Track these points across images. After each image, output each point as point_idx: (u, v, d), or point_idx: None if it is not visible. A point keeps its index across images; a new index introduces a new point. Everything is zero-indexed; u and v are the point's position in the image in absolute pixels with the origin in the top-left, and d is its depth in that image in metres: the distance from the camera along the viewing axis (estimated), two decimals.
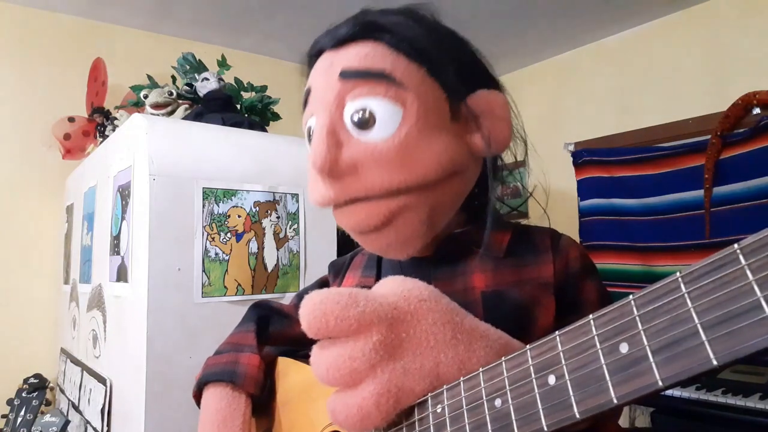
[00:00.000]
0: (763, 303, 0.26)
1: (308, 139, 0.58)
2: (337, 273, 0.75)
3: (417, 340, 0.44)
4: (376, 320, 0.44)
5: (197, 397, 0.70)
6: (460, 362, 0.44)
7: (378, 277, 0.65)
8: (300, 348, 0.75)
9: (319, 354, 0.46)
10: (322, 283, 0.78)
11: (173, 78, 1.67)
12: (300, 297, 0.79)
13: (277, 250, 1.28)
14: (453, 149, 0.53)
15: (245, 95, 1.60)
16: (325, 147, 0.51)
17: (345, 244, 1.37)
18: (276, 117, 1.66)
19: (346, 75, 0.52)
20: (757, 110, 1.82)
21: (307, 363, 0.66)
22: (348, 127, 0.52)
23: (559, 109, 2.62)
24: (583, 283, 0.58)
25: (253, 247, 1.23)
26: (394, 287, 0.47)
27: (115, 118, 1.75)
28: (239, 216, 1.22)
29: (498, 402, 0.38)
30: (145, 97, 1.50)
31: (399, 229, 0.54)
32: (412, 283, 0.47)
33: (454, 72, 0.54)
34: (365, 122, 0.51)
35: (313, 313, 0.44)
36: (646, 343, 0.30)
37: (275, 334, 0.75)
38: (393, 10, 0.57)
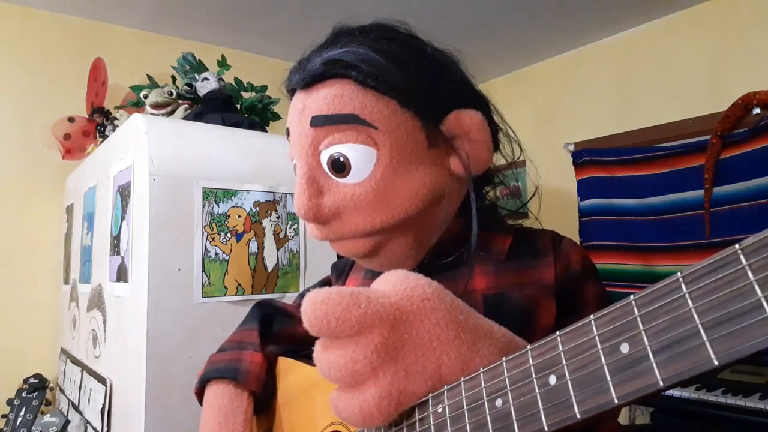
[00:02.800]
0: (764, 303, 0.26)
1: (295, 173, 0.59)
2: (339, 274, 0.75)
3: (420, 341, 0.44)
4: (378, 322, 0.43)
5: (199, 394, 0.70)
6: (463, 363, 0.43)
7: None
8: (303, 347, 0.75)
9: (321, 352, 0.46)
10: (325, 284, 0.78)
11: (173, 78, 1.67)
12: (303, 296, 0.79)
13: (277, 250, 1.28)
14: (432, 179, 0.53)
15: (245, 95, 1.60)
16: (306, 197, 0.53)
17: None
18: (276, 117, 1.66)
19: (317, 122, 0.53)
20: (757, 110, 1.83)
21: (309, 363, 0.67)
22: (327, 171, 0.54)
23: (559, 109, 2.62)
24: (583, 285, 0.58)
25: (253, 247, 1.23)
26: (396, 284, 0.46)
27: (115, 118, 1.75)
28: (239, 216, 1.22)
29: (499, 402, 0.38)
30: (145, 97, 1.49)
31: (387, 254, 0.56)
32: (415, 280, 0.46)
33: (426, 98, 0.53)
34: (341, 167, 0.52)
35: (314, 312, 0.44)
36: (647, 343, 0.30)
37: (278, 333, 0.75)
38: (364, 32, 0.56)
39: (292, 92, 0.59)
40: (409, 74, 0.53)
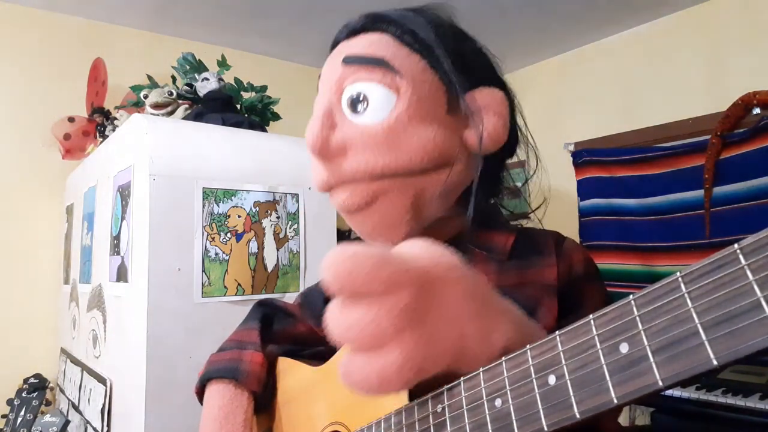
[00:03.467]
0: (763, 303, 0.26)
1: None
2: None
3: (445, 309, 0.42)
4: (407, 283, 0.41)
5: (200, 393, 0.70)
6: (484, 336, 0.43)
7: None
8: (303, 347, 0.75)
9: (339, 312, 0.42)
10: None
11: (173, 78, 1.67)
12: (304, 296, 0.79)
13: (277, 250, 1.28)
14: (442, 140, 0.54)
15: (245, 95, 1.60)
16: (319, 126, 0.54)
17: None
18: (276, 117, 1.66)
19: (349, 60, 0.55)
20: (757, 110, 1.83)
21: (309, 363, 0.67)
22: (344, 109, 0.55)
23: (559, 109, 2.62)
24: (586, 286, 0.58)
25: (253, 247, 1.23)
26: (423, 250, 0.44)
27: (115, 118, 1.75)
28: (239, 216, 1.22)
29: (498, 402, 0.38)
30: (145, 97, 1.50)
31: (382, 210, 0.55)
32: (440, 248, 0.44)
33: (456, 66, 0.55)
34: (359, 105, 0.54)
35: (342, 264, 0.39)
36: (646, 343, 0.30)
37: (279, 332, 0.75)
38: (409, 7, 0.60)
39: (333, 48, 0.62)
40: (446, 40, 0.56)
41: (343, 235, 1.41)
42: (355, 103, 0.54)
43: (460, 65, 0.56)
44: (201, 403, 0.70)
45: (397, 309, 0.40)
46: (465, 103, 0.56)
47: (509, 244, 0.59)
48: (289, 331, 0.76)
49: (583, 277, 0.58)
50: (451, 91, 0.55)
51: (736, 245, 0.27)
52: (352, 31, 0.58)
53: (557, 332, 0.36)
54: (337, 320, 0.42)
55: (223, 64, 1.63)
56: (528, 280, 0.57)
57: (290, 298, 1.26)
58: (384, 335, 0.40)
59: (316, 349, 0.72)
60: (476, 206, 0.60)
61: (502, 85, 0.61)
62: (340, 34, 0.60)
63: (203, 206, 1.17)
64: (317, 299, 0.74)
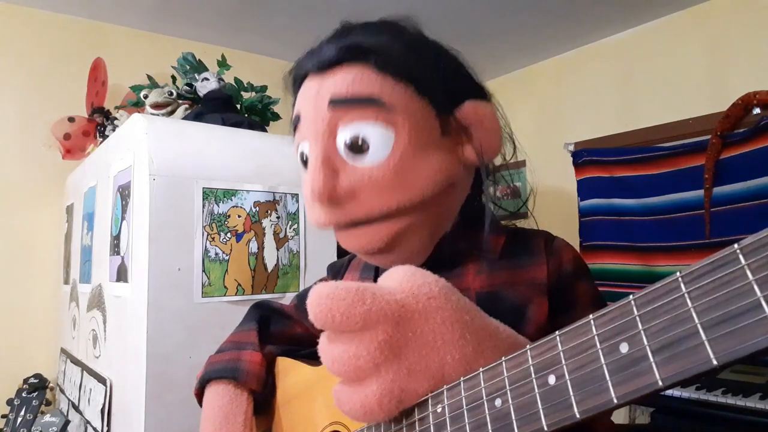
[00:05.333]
0: (763, 303, 0.26)
1: (302, 163, 0.60)
2: (335, 275, 0.75)
3: (424, 340, 0.44)
4: (382, 319, 0.43)
5: (199, 395, 0.70)
6: (467, 364, 0.43)
7: (376, 278, 0.65)
8: (301, 347, 0.75)
9: (326, 344, 0.46)
10: None
11: (173, 78, 1.67)
12: (300, 298, 0.79)
13: (277, 250, 1.28)
14: (446, 164, 0.54)
15: (245, 95, 1.60)
16: (322, 177, 0.52)
17: None
18: (276, 117, 1.66)
19: (336, 103, 0.53)
20: (757, 110, 1.82)
21: (308, 363, 0.67)
22: (342, 153, 0.53)
23: (559, 109, 2.62)
24: (576, 284, 0.58)
25: (253, 247, 1.23)
26: (403, 281, 0.46)
27: (115, 118, 1.75)
28: (239, 216, 1.22)
29: (498, 402, 0.38)
30: (145, 97, 1.50)
31: (403, 250, 0.56)
32: (422, 277, 0.46)
33: (441, 87, 0.55)
34: (359, 148, 0.52)
35: (318, 306, 0.44)
36: (646, 343, 0.30)
37: (276, 333, 0.76)
38: (375, 25, 0.57)
39: (301, 80, 0.59)
40: (426, 62, 0.55)
41: None
42: (354, 146, 0.52)
43: (444, 83, 0.55)
44: (200, 406, 0.70)
45: (373, 345, 0.43)
46: (457, 121, 0.55)
47: (500, 244, 0.60)
48: (286, 332, 0.76)
49: (573, 276, 0.58)
50: (441, 112, 0.55)
51: (736, 245, 0.27)
52: (327, 64, 0.55)
53: (557, 332, 0.36)
54: (324, 352, 0.46)
55: (223, 64, 1.63)
56: (519, 279, 0.57)
57: (290, 298, 1.27)
58: (363, 369, 0.43)
59: (314, 349, 0.73)
60: (467, 208, 0.61)
61: (484, 93, 0.60)
62: (310, 65, 0.56)
63: (203, 206, 1.17)
64: None
